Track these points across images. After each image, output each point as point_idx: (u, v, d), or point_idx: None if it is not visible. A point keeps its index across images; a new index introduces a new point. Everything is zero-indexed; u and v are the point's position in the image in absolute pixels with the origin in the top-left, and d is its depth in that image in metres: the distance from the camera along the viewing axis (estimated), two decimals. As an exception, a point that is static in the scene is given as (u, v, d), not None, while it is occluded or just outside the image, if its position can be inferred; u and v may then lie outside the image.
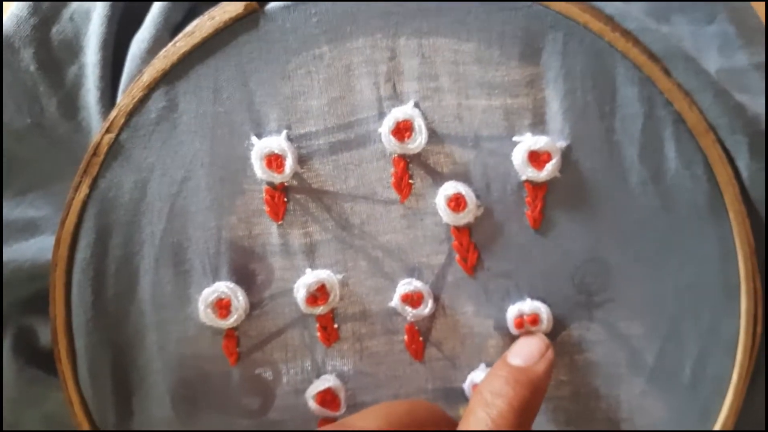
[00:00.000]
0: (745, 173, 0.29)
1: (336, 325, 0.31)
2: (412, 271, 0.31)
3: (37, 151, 0.32)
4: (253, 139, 0.29)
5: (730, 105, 0.29)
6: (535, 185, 0.30)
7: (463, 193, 0.29)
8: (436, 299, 0.31)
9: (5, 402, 0.32)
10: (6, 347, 0.32)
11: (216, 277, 0.30)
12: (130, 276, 0.30)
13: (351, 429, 0.25)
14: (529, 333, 0.30)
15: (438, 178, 0.30)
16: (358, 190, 0.30)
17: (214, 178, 0.30)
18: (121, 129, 0.30)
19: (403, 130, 0.29)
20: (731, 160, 0.30)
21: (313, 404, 0.31)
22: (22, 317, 0.32)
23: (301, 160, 0.30)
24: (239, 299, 0.30)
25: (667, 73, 0.29)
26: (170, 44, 0.30)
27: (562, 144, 0.29)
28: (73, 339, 0.30)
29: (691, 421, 0.31)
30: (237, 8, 0.29)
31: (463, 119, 0.29)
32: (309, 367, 0.31)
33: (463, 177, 0.30)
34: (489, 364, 0.31)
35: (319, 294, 0.30)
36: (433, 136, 0.30)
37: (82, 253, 0.30)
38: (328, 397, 0.31)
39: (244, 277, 0.30)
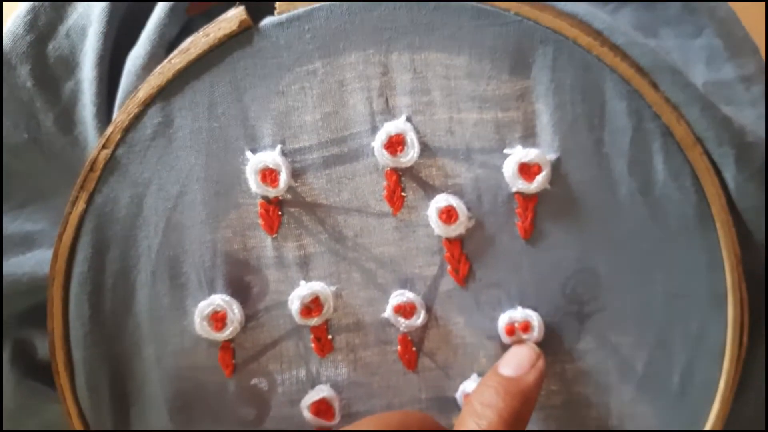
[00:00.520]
0: (731, 184, 0.29)
1: (330, 336, 0.31)
2: (405, 283, 0.31)
3: (34, 165, 0.32)
4: (248, 153, 0.29)
5: (717, 118, 0.29)
6: (525, 197, 0.30)
7: (455, 205, 0.30)
8: (429, 310, 0.31)
9: (4, 413, 0.32)
10: (5, 359, 0.32)
11: (212, 290, 0.30)
12: (126, 289, 0.30)
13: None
14: (520, 342, 0.30)
15: (430, 190, 0.30)
16: (351, 203, 0.30)
17: (209, 193, 0.30)
18: (117, 144, 0.30)
19: (395, 144, 0.29)
20: (718, 172, 0.30)
21: (307, 414, 0.31)
22: (20, 330, 0.33)
23: (295, 174, 0.30)
24: (235, 312, 0.30)
25: (654, 86, 0.29)
26: (166, 61, 0.30)
27: (552, 156, 0.29)
28: (71, 351, 0.30)
29: (680, 427, 0.31)
30: (231, 25, 0.30)
31: (455, 133, 0.29)
32: (304, 378, 0.31)
33: (455, 189, 0.30)
34: (481, 374, 0.31)
35: (313, 306, 0.30)
36: (426, 149, 0.30)
37: (80, 267, 0.30)
38: (322, 407, 0.31)
39: (239, 289, 0.30)
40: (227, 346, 0.31)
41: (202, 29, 0.30)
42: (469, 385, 0.31)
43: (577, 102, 0.29)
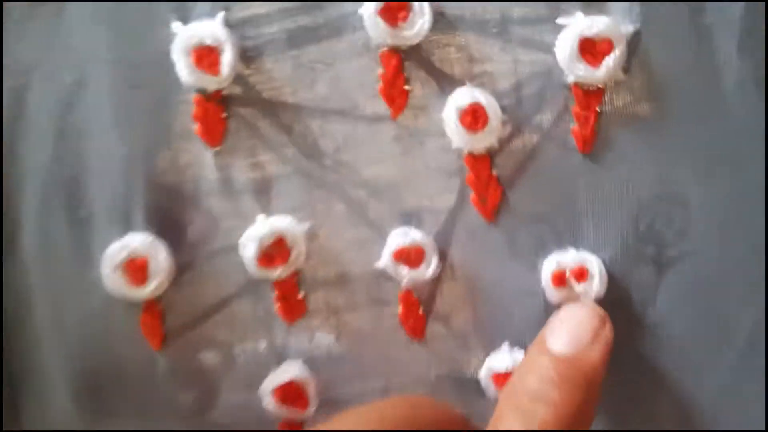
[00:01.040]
0: None
1: (302, 294, 0.27)
2: (409, 218, 0.27)
3: None
4: (175, 24, 0.25)
5: None
6: (587, 90, 0.26)
7: (484, 103, 0.25)
8: (443, 256, 0.27)
9: None
10: None
11: (127, 228, 0.26)
12: (7, 228, 0.27)
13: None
14: (573, 298, 0.26)
15: (446, 81, 0.26)
16: (330, 102, 0.26)
17: (120, 84, 0.26)
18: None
19: (395, 10, 0.25)
20: None
21: (270, 402, 0.27)
22: None
23: (246, 56, 0.26)
24: (160, 258, 0.26)
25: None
26: None
27: (628, 29, 0.25)
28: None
29: None
30: None
31: (485, -6, 0.26)
32: (265, 352, 0.27)
33: (484, 80, 0.26)
34: (515, 344, 0.27)
35: (276, 251, 0.26)
36: (440, 18, 0.26)
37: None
38: (291, 392, 0.27)
39: (167, 226, 0.27)
40: (153, 306, 0.27)
41: None
42: (498, 360, 0.27)
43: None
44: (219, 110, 0.26)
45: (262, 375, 0.27)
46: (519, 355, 0.26)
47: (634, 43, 0.25)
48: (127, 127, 0.26)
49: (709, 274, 0.26)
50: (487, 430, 0.22)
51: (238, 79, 0.26)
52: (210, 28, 0.25)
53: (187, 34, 0.25)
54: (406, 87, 0.26)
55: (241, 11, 0.25)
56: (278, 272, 0.26)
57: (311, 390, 0.27)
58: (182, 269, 0.27)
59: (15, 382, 0.27)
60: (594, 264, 0.26)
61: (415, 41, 0.25)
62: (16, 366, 0.27)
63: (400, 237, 0.26)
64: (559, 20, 0.25)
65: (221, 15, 0.25)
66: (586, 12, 0.25)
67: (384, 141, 0.26)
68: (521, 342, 0.26)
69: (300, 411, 0.27)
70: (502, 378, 0.26)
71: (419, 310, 0.27)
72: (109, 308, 0.26)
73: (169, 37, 0.25)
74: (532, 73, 0.26)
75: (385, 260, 0.26)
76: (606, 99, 0.26)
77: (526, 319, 0.27)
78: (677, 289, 0.26)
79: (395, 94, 0.26)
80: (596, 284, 0.26)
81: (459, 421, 0.24)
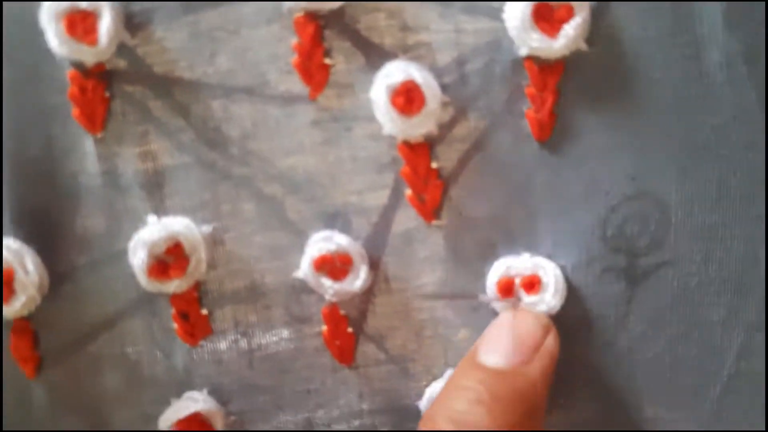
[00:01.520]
0: None
1: (205, 311, 0.25)
2: (333, 219, 0.25)
3: None
4: None
5: None
6: (543, 65, 0.23)
7: (419, 81, 0.23)
8: (374, 265, 0.25)
9: None
10: None
11: None
12: None
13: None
14: (518, 308, 0.24)
15: (375, 54, 0.24)
16: (234, 78, 0.24)
17: None
18: None
19: None
20: None
21: None
22: None
23: (132, 23, 0.23)
24: (30, 268, 0.24)
25: None
26: None
27: None
28: None
29: None
30: None
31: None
32: (164, 378, 0.25)
33: (420, 53, 0.23)
34: None
35: (172, 258, 0.24)
36: None
37: None
38: (195, 427, 0.25)
39: (38, 229, 0.24)
40: (23, 327, 0.24)
41: None
42: (441, 387, 0.24)
43: None
44: (100, 88, 0.23)
45: (158, 407, 0.25)
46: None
47: (600, 9, 0.22)
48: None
49: (690, 288, 0.24)
50: None
51: (122, 50, 0.23)
52: (85, -12, 0.21)
53: (57, -4, 0.21)
54: (327, 60, 0.23)
55: (125, -32, 0.22)
56: (175, 285, 0.24)
57: (219, 425, 0.25)
58: (58, 281, 0.24)
59: None
60: (549, 272, 0.23)
61: (336, 4, 0.23)
62: None
63: (323, 242, 0.24)
64: (509, -18, 0.21)
65: (99, -28, 0.21)
66: (542, -27, 0.21)
67: (301, 126, 0.24)
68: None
69: (205, 450, 0.24)
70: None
71: (347, 328, 0.25)
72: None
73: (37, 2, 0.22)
74: (478, 44, 0.23)
75: (304, 270, 0.24)
76: (566, 76, 0.23)
77: (470, 340, 0.24)
78: (653, 306, 0.24)
79: (313, 69, 0.23)
80: (550, 296, 0.23)
81: None
